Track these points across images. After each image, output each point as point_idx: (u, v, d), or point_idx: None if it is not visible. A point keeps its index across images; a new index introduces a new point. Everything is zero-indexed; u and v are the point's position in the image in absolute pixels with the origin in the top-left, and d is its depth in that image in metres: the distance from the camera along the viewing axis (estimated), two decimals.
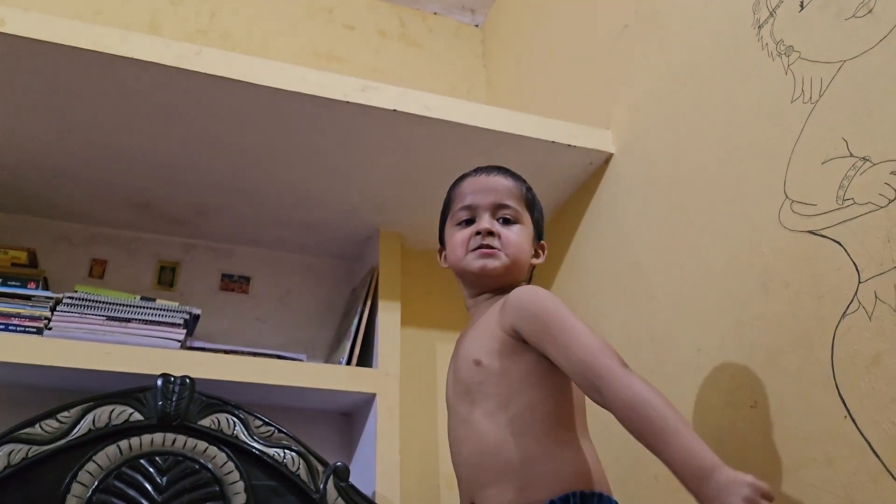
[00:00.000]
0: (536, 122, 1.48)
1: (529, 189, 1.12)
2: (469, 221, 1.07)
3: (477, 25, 2.33)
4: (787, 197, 1.05)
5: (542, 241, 1.12)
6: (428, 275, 1.83)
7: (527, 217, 1.09)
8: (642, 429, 0.80)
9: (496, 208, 1.06)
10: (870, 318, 0.90)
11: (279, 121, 1.39)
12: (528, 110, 1.74)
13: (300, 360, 1.52)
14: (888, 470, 0.84)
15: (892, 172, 0.89)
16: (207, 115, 1.38)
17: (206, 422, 1.32)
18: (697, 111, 1.28)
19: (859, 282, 0.92)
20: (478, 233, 1.04)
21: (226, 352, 1.48)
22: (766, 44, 1.13)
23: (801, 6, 1.07)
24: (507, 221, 1.06)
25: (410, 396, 1.66)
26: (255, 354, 1.50)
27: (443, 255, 1.14)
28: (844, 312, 0.93)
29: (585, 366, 0.87)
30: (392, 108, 1.37)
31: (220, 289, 1.73)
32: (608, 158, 1.53)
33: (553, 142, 1.48)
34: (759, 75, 1.14)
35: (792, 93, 1.07)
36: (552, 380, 0.95)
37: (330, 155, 1.49)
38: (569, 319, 0.92)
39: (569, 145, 1.49)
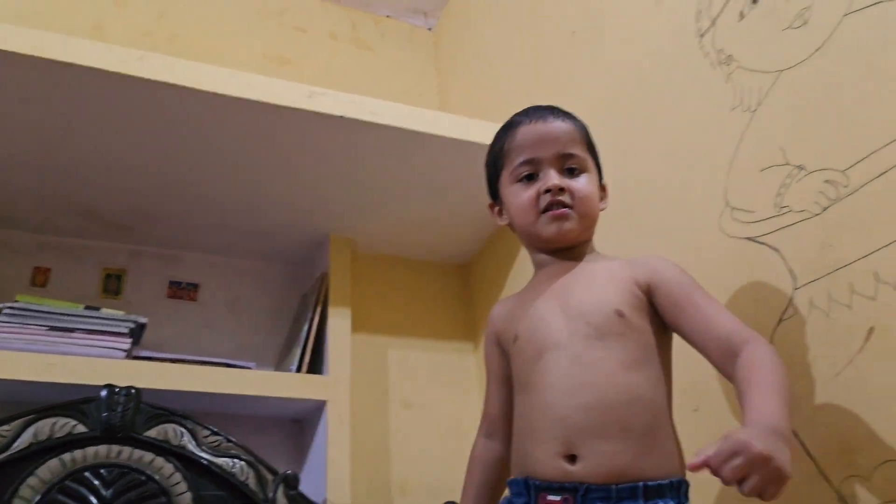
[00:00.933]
0: (485, 127, 1.48)
1: (586, 127, 1.03)
2: (531, 177, 0.96)
3: (429, 29, 2.33)
4: (727, 204, 1.08)
5: (604, 182, 1.03)
6: (379, 280, 1.83)
7: (591, 162, 0.99)
8: (779, 383, 0.76)
9: (561, 159, 0.96)
10: (805, 323, 0.92)
11: (226, 126, 1.37)
12: (479, 114, 1.75)
13: (249, 368, 1.50)
14: (822, 472, 0.87)
15: (825, 181, 0.92)
16: (152, 121, 1.35)
17: (152, 432, 1.30)
18: (643, 117, 1.30)
19: (795, 288, 0.94)
20: (546, 190, 0.94)
21: (173, 361, 1.45)
22: (708, 53, 1.15)
23: (741, 16, 1.09)
24: (572, 171, 0.96)
25: (361, 403, 1.65)
26: (203, 363, 1.48)
27: (496, 211, 1.05)
28: (781, 318, 0.96)
29: (734, 332, 0.83)
30: (340, 114, 1.36)
31: (167, 296, 1.70)
32: None
33: None
34: (701, 83, 1.16)
35: (732, 101, 1.09)
36: (667, 356, 0.93)
37: (278, 160, 1.48)
38: (708, 293, 0.90)
39: None
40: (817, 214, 0.92)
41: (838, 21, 0.93)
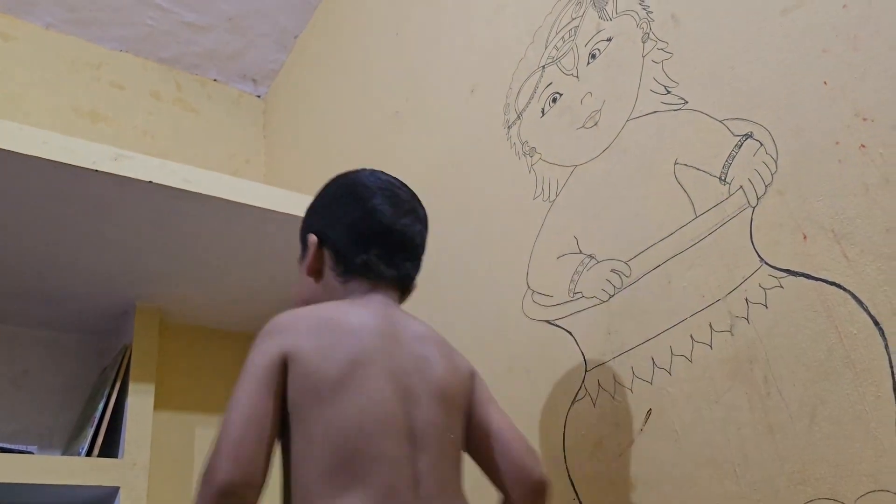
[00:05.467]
0: (303, 201, 1.47)
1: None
2: None
3: (259, 96, 2.30)
4: (528, 287, 1.12)
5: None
6: (188, 353, 1.73)
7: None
8: None
9: None
10: (594, 405, 0.97)
11: (17, 186, 1.26)
12: (305, 185, 1.73)
13: (29, 453, 1.35)
14: None
15: (612, 270, 0.98)
16: None
17: None
18: (457, 199, 1.34)
19: (586, 370, 0.99)
20: None
21: None
22: (514, 143, 1.22)
23: (542, 112, 1.17)
24: None
25: (161, 488, 1.53)
26: None
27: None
28: (574, 399, 1.00)
29: None
30: (148, 179, 1.29)
31: None
32: None
33: None
34: (508, 172, 1.22)
35: (534, 190, 1.15)
36: None
37: (79, 224, 1.37)
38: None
39: None
40: (604, 301, 0.98)
41: (623, 124, 1.01)
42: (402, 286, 0.91)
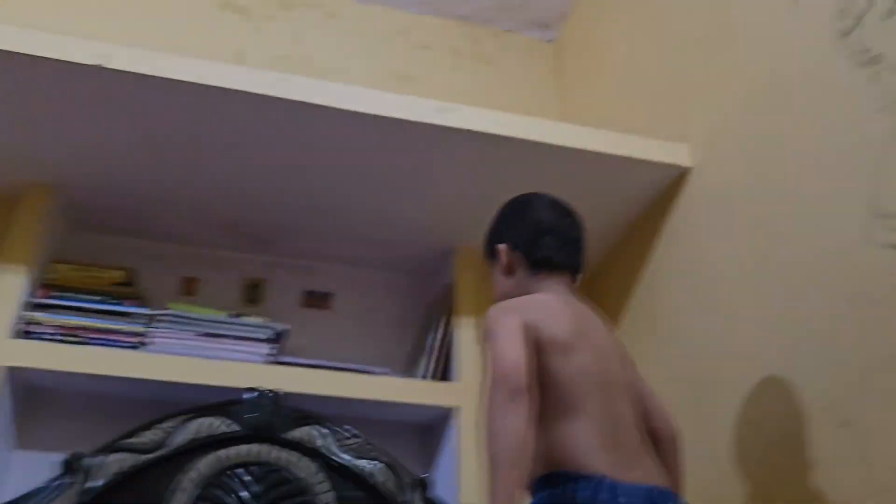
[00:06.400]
0: (610, 138, 1.48)
1: (488, 234, 1.21)
2: None
3: (549, 41, 2.34)
4: (876, 210, 1.03)
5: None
6: None
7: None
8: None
9: None
10: None
11: (357, 143, 1.44)
12: (602, 125, 1.74)
13: (386, 375, 1.56)
14: None
15: None
16: (290, 139, 1.44)
17: (295, 434, 1.37)
18: (778, 123, 1.26)
19: None
20: None
21: (311, 366, 1.52)
22: (852, 53, 1.11)
23: (890, 13, 1.04)
24: None
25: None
26: (342, 369, 1.54)
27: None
28: None
29: None
30: (468, 128, 1.39)
31: (302, 305, 1.79)
32: (685, 173, 1.51)
33: (627, 157, 1.47)
34: (842, 86, 1.11)
35: (878, 103, 1.04)
36: None
37: (406, 174, 1.53)
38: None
39: (643, 160, 1.48)
40: None
41: None
42: (575, 274, 1.15)
